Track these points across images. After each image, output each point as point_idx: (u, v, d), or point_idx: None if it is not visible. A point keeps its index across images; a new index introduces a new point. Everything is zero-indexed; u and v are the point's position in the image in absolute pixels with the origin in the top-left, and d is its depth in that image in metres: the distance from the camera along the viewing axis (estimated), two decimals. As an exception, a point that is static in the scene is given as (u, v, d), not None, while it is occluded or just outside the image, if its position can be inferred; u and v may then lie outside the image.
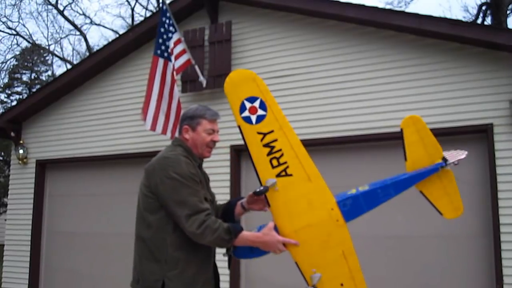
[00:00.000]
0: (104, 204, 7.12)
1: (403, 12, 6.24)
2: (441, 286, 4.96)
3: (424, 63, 5.20)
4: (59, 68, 31.50)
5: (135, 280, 2.50)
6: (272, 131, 2.35)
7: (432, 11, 32.43)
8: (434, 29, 5.04)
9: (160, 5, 7.09)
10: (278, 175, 2.35)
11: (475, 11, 15.88)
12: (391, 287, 5.13)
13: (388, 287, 5.14)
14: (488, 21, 15.03)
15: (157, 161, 2.49)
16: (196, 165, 2.51)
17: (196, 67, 6.05)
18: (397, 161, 5.31)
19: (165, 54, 5.84)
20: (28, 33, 37.17)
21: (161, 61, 5.84)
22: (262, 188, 2.35)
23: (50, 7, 24.07)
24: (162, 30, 5.85)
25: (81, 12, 37.05)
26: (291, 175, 2.35)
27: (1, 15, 30.62)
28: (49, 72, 26.09)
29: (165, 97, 5.83)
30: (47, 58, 25.94)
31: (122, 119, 6.92)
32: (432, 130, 5.31)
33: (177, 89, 5.83)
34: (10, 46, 30.32)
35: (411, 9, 23.84)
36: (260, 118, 2.35)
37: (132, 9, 24.00)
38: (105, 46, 7.35)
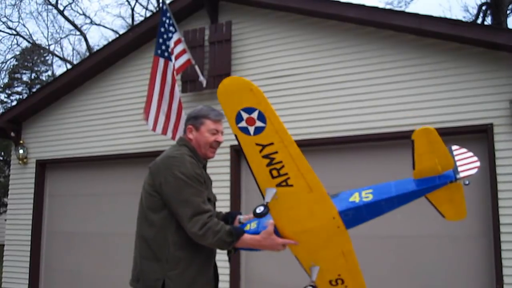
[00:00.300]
0: (104, 204, 7.12)
1: (403, 12, 6.24)
2: (441, 286, 4.96)
3: (424, 63, 5.20)
4: (59, 68, 31.51)
5: (135, 279, 2.49)
6: (272, 144, 2.14)
7: (432, 11, 32.44)
8: (434, 29, 5.04)
9: (160, 5, 7.09)
10: (279, 185, 2.24)
11: (475, 11, 15.90)
12: (391, 287, 5.13)
13: (388, 287, 5.14)
14: (488, 21, 15.03)
15: (162, 160, 2.50)
16: (200, 166, 2.52)
17: (196, 67, 6.05)
18: (397, 161, 5.33)
19: (166, 54, 5.84)
20: (28, 33, 37.20)
21: (161, 61, 5.84)
22: (263, 209, 2.25)
23: (50, 7, 24.10)
24: (162, 30, 5.85)
25: (81, 12, 37.08)
26: (291, 185, 2.23)
27: (1, 15, 30.60)
28: (49, 72, 26.12)
29: (166, 97, 5.83)
30: (47, 58, 25.95)
31: (122, 119, 6.92)
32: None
33: (178, 89, 5.83)
34: (10, 46, 30.32)
35: (411, 9, 23.84)
36: (258, 130, 2.13)
37: (132, 9, 24.02)
38: (105, 46, 7.35)
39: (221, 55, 6.20)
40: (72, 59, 25.69)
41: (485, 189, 4.84)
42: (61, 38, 31.93)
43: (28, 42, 24.70)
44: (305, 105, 5.69)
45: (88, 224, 7.22)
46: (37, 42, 25.28)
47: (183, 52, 5.93)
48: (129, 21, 24.28)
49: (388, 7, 14.59)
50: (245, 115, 2.13)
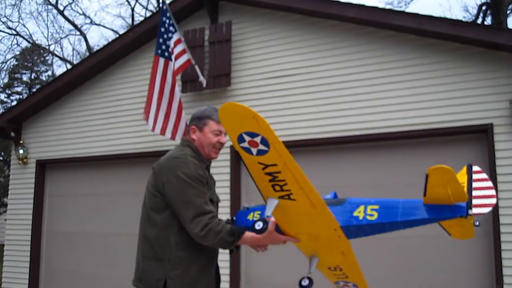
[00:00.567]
0: (104, 204, 7.12)
1: (403, 12, 6.24)
2: (441, 286, 4.96)
3: (424, 63, 5.20)
4: (59, 68, 31.50)
5: (137, 279, 2.51)
6: (275, 165, 2.09)
7: (432, 11, 32.43)
8: (434, 29, 5.04)
9: (160, 5, 7.09)
10: (281, 197, 2.21)
11: (475, 11, 15.89)
12: (391, 287, 5.13)
13: (388, 287, 5.14)
14: (488, 21, 15.03)
15: (165, 160, 2.51)
16: (203, 166, 2.52)
17: (196, 67, 6.05)
18: (397, 161, 5.34)
19: (166, 54, 5.84)
20: (28, 33, 37.19)
21: (161, 61, 5.84)
22: (262, 225, 2.23)
23: (50, 7, 24.10)
24: (163, 30, 5.85)
25: (81, 12, 37.07)
26: (294, 200, 2.19)
27: (1, 15, 30.59)
28: (49, 72, 26.12)
29: (166, 97, 5.83)
30: (47, 58, 25.95)
31: (122, 119, 6.92)
32: (432, 130, 5.33)
33: (178, 88, 5.82)
34: (10, 46, 30.36)
35: (411, 9, 23.85)
36: (261, 152, 2.07)
37: (132, 9, 24.02)
38: (105, 46, 7.35)
39: (221, 55, 6.20)
40: (72, 59, 25.72)
41: (485, 189, 4.83)
42: (61, 38, 31.95)
43: (28, 42, 24.73)
44: (305, 105, 5.69)
45: (88, 224, 7.22)
46: (37, 42, 25.31)
47: (183, 52, 5.92)
48: (129, 21, 24.30)
49: (388, 7, 14.59)
50: (247, 138, 2.07)
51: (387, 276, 5.15)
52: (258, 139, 2.05)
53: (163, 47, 5.84)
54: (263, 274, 5.76)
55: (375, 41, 5.48)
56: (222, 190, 5.81)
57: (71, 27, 25.11)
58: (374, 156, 5.44)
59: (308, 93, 5.71)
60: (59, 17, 26.48)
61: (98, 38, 44.10)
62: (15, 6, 29.05)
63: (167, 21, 5.86)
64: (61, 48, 46.09)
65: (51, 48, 25.74)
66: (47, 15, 36.72)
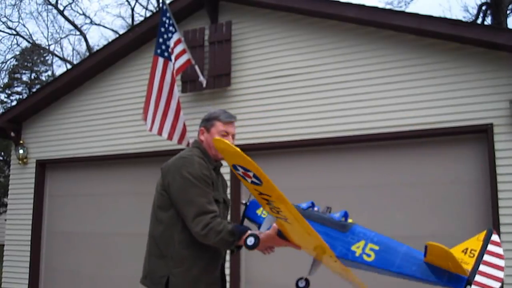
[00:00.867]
0: (104, 204, 7.12)
1: (403, 12, 6.24)
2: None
3: (424, 63, 5.20)
4: (59, 68, 31.50)
5: (144, 276, 2.57)
6: (270, 196, 2.03)
7: (432, 11, 32.43)
8: (434, 29, 5.04)
9: (160, 5, 7.09)
10: (278, 218, 2.17)
11: (475, 11, 15.88)
12: (391, 287, 5.12)
13: (387, 287, 5.14)
14: (488, 21, 15.02)
15: (172, 161, 2.57)
16: (211, 167, 2.57)
17: (196, 67, 6.05)
18: (397, 161, 5.34)
19: (166, 54, 5.83)
20: (28, 33, 37.20)
21: (161, 61, 5.83)
22: (253, 241, 2.23)
23: (50, 7, 24.10)
24: (163, 29, 5.84)
25: (81, 12, 37.05)
26: (290, 223, 2.14)
27: (1, 15, 30.60)
28: (49, 72, 26.11)
29: (164, 97, 5.82)
30: (47, 58, 25.95)
31: (122, 119, 6.92)
32: (432, 130, 5.33)
33: (177, 89, 5.82)
34: (10, 46, 30.28)
35: (411, 9, 23.85)
36: (255, 183, 2.01)
37: (132, 9, 24.03)
38: (105, 46, 7.34)
39: (221, 55, 6.20)
40: (72, 59, 25.72)
41: (485, 189, 4.84)
42: (61, 38, 31.91)
43: (28, 42, 24.73)
44: (305, 105, 5.69)
45: (88, 224, 7.22)
46: (37, 42, 25.31)
47: (183, 52, 5.92)
48: (129, 21, 24.31)
49: (388, 7, 14.59)
50: (241, 169, 2.01)
51: (387, 275, 5.15)
52: (251, 174, 2.01)
53: (163, 47, 5.83)
54: (263, 274, 5.76)
55: (375, 41, 5.48)
56: (222, 190, 5.82)
57: (71, 27, 25.15)
58: (374, 156, 5.44)
59: (308, 93, 5.71)
60: (59, 17, 26.50)
61: (98, 38, 44.14)
62: (15, 6, 29.04)
63: (167, 21, 5.86)
64: (61, 48, 46.09)
65: (51, 48, 25.77)
66: (47, 15, 36.76)
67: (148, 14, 22.66)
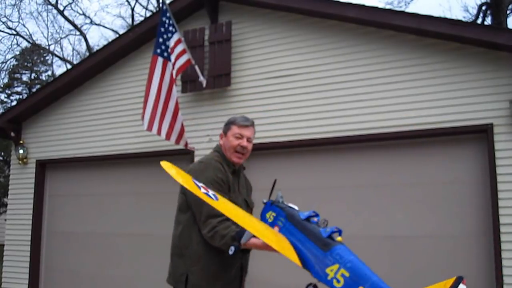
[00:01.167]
0: (104, 204, 7.12)
1: (403, 12, 6.23)
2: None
3: (424, 63, 5.20)
4: (59, 68, 31.49)
5: (168, 275, 2.72)
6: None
7: (432, 11, 32.42)
8: (434, 29, 5.04)
9: (160, 5, 7.09)
10: None
11: (475, 11, 15.87)
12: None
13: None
14: (488, 21, 15.02)
15: (193, 164, 2.76)
16: (228, 170, 2.68)
17: (196, 67, 6.05)
18: (397, 161, 5.34)
19: (165, 54, 5.83)
20: (28, 33, 37.15)
21: (160, 61, 5.82)
22: (234, 251, 2.28)
23: (50, 7, 24.08)
24: (162, 29, 5.84)
25: (81, 12, 37.01)
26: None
27: (1, 15, 30.60)
28: (49, 72, 26.09)
29: (163, 97, 5.82)
30: (47, 58, 25.93)
31: (122, 119, 6.92)
32: (432, 130, 5.33)
33: (175, 89, 5.81)
34: (10, 46, 30.29)
35: (411, 9, 23.84)
36: (215, 198, 2.15)
37: (132, 9, 24.02)
38: (105, 46, 7.34)
39: (221, 55, 6.20)
40: (72, 59, 25.71)
41: (485, 189, 4.84)
42: (61, 38, 31.91)
43: (28, 42, 24.72)
44: (305, 105, 5.69)
45: (88, 224, 7.23)
46: (37, 42, 25.29)
47: (183, 52, 5.92)
48: (129, 21, 24.30)
49: (388, 7, 14.58)
50: (199, 183, 2.18)
51: (385, 276, 5.14)
52: (209, 189, 2.18)
53: (163, 47, 5.83)
54: (265, 275, 5.76)
55: (375, 41, 5.48)
56: (222, 190, 5.81)
57: (71, 27, 25.14)
58: (374, 156, 5.44)
59: (308, 93, 5.71)
60: (59, 17, 26.51)
61: (98, 38, 44.11)
62: (15, 6, 29.04)
63: (167, 21, 5.86)
64: (61, 48, 46.10)
65: (51, 48, 25.75)
66: (47, 15, 36.73)
67: (148, 14, 22.67)
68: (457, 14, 35.79)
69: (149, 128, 5.81)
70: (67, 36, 30.63)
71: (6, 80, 24.72)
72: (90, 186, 7.35)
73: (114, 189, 7.09)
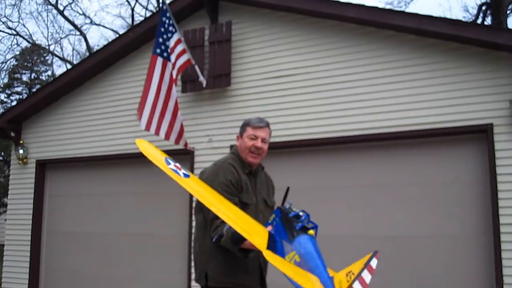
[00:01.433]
0: (104, 204, 7.12)
1: (403, 12, 6.24)
2: (440, 286, 4.96)
3: (424, 63, 5.20)
4: (59, 68, 31.45)
5: (195, 273, 2.82)
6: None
7: (432, 11, 32.40)
8: (434, 29, 5.04)
9: (160, 5, 7.09)
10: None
11: (475, 11, 15.86)
12: (390, 286, 5.12)
13: (387, 287, 5.14)
14: (488, 21, 15.01)
15: (208, 167, 2.83)
16: (242, 171, 2.74)
17: (196, 67, 6.05)
18: (397, 161, 5.34)
19: (165, 54, 5.83)
20: (28, 33, 37.13)
21: (159, 60, 5.83)
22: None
23: (50, 7, 24.06)
24: (162, 29, 5.84)
25: (81, 12, 36.98)
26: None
27: (1, 15, 30.58)
28: (49, 72, 26.09)
29: (162, 97, 5.82)
30: (47, 58, 25.92)
31: (122, 119, 6.92)
32: (432, 130, 5.34)
33: (175, 89, 5.81)
34: (10, 46, 30.23)
35: (411, 9, 23.83)
36: (186, 176, 2.36)
37: (132, 9, 24.00)
38: (105, 46, 7.34)
39: (221, 55, 6.20)
40: (72, 59, 25.69)
41: (485, 189, 4.84)
42: (61, 38, 31.90)
43: (28, 42, 24.71)
44: (305, 105, 5.69)
45: (88, 224, 7.22)
46: (37, 42, 25.27)
47: (183, 52, 5.92)
48: (129, 21, 24.28)
49: (388, 7, 14.58)
50: (172, 162, 2.38)
51: (386, 276, 5.15)
52: (179, 165, 2.40)
53: (162, 47, 5.83)
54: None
55: (375, 41, 5.48)
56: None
57: (71, 27, 25.11)
58: (374, 156, 5.44)
59: (308, 93, 5.71)
60: (59, 17, 26.47)
61: (98, 38, 44.08)
62: (15, 6, 29.01)
63: (167, 21, 5.85)
64: (61, 48, 46.03)
65: (51, 48, 25.72)
66: (47, 15, 36.69)
67: (148, 14, 22.66)
68: (457, 14, 35.78)
69: (147, 127, 5.81)
70: (67, 36, 30.61)
71: (6, 80, 24.73)
72: (90, 186, 7.35)
73: (114, 189, 7.09)
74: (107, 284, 6.83)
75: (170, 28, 5.86)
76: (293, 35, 5.94)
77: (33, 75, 25.50)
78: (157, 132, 5.83)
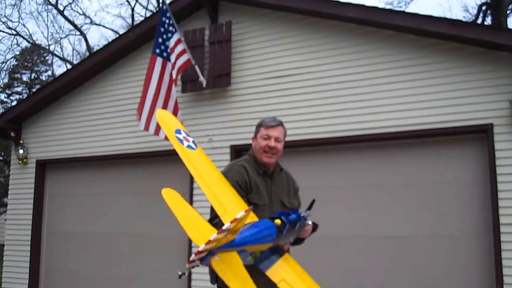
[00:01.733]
0: (104, 204, 7.12)
1: (403, 12, 6.24)
2: (440, 286, 4.96)
3: (424, 63, 5.20)
4: (59, 68, 31.44)
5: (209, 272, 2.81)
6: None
7: (432, 11, 32.40)
8: (434, 29, 5.04)
9: (160, 5, 7.09)
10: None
11: (475, 11, 15.85)
12: (391, 286, 5.12)
13: (387, 286, 5.14)
14: (488, 21, 15.01)
15: (225, 166, 2.89)
16: (255, 172, 2.78)
17: (196, 67, 6.05)
18: (397, 161, 5.34)
19: (164, 54, 5.83)
20: (28, 33, 37.06)
21: (159, 60, 5.83)
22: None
23: (50, 7, 24.05)
24: (162, 30, 5.84)
25: (81, 12, 36.92)
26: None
27: (1, 15, 30.55)
28: (49, 72, 26.06)
29: (162, 97, 5.82)
30: (47, 58, 25.90)
31: (122, 119, 6.92)
32: (432, 130, 5.34)
33: (174, 89, 5.81)
34: (10, 46, 30.16)
35: (411, 9, 23.81)
36: (190, 147, 2.63)
37: (132, 9, 23.98)
38: (105, 46, 7.35)
39: (221, 55, 6.20)
40: (72, 59, 25.66)
41: (485, 189, 4.84)
42: (61, 38, 31.82)
43: (28, 42, 24.69)
44: (305, 105, 5.69)
45: (88, 224, 7.22)
46: (37, 42, 25.25)
47: (183, 52, 5.92)
48: (129, 21, 24.26)
49: (388, 7, 14.58)
50: (183, 133, 2.64)
51: (386, 276, 5.15)
52: (190, 139, 2.63)
53: (162, 47, 5.83)
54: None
55: (375, 41, 5.47)
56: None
57: (71, 27, 25.06)
58: (374, 156, 5.44)
59: (308, 93, 5.71)
60: (59, 17, 26.43)
61: (98, 38, 44.09)
62: (15, 6, 28.97)
63: (167, 21, 5.85)
64: (61, 48, 45.98)
65: (51, 48, 25.67)
66: (47, 15, 36.66)
67: (148, 14, 22.65)
68: (457, 14, 35.76)
69: (146, 127, 5.81)
70: (67, 36, 30.51)
71: (6, 80, 24.71)
72: (90, 186, 7.35)
73: (114, 189, 7.08)
74: (107, 284, 6.83)
75: (170, 28, 5.86)
76: (293, 35, 5.94)
77: (33, 75, 25.49)
78: (156, 133, 5.83)
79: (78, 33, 24.60)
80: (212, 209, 2.54)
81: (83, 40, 24.76)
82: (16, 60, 24.96)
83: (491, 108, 4.83)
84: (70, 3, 28.20)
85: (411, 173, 5.24)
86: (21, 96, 24.01)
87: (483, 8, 15.02)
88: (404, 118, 5.17)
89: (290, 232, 2.48)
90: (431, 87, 5.12)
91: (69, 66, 23.45)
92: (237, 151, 5.96)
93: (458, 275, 4.91)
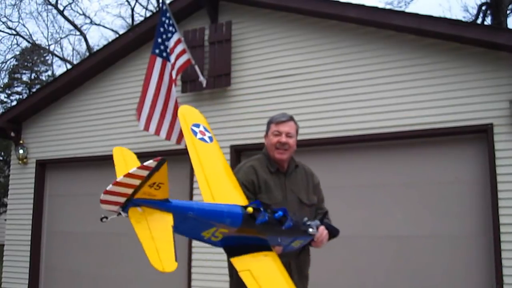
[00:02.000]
0: (104, 204, 7.11)
1: (403, 12, 6.24)
2: (441, 286, 4.96)
3: (424, 63, 5.20)
4: (59, 68, 31.45)
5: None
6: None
7: (432, 11, 32.39)
8: (434, 29, 5.04)
9: (160, 5, 7.10)
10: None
11: (475, 11, 15.86)
12: (391, 286, 5.13)
13: (387, 286, 5.14)
14: (488, 21, 15.02)
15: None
16: (266, 170, 2.75)
17: (196, 67, 6.05)
18: (397, 161, 5.34)
19: (164, 54, 5.83)
20: (28, 33, 37.12)
21: (159, 61, 5.82)
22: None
23: (50, 7, 24.06)
24: (162, 30, 5.84)
25: (81, 12, 36.94)
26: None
27: (1, 15, 30.56)
28: (49, 72, 26.07)
29: (162, 97, 5.81)
30: (47, 58, 25.91)
31: (122, 119, 6.92)
32: (432, 130, 5.34)
33: (174, 89, 5.81)
34: (10, 46, 30.18)
35: (411, 9, 23.81)
36: (203, 140, 2.74)
37: (132, 9, 23.99)
38: (105, 46, 7.35)
39: (221, 55, 6.20)
40: (72, 59, 25.67)
41: (485, 189, 4.84)
42: (61, 38, 31.84)
43: (28, 42, 24.70)
44: (305, 105, 5.69)
45: (88, 224, 7.21)
46: (37, 42, 25.27)
47: (183, 52, 5.92)
48: (129, 21, 24.26)
49: (388, 7, 14.59)
50: (201, 127, 2.74)
51: (387, 276, 5.15)
52: (207, 134, 2.72)
53: (162, 47, 5.83)
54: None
55: (375, 41, 5.47)
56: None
57: (71, 27, 25.06)
58: (373, 156, 5.44)
59: (308, 93, 5.71)
60: (59, 17, 26.41)
61: (98, 38, 44.08)
62: (15, 6, 28.95)
63: (167, 21, 5.85)
64: (61, 48, 46.01)
65: (51, 48, 25.68)
66: (47, 15, 36.70)
67: (148, 14, 22.65)
68: (457, 14, 35.77)
69: (146, 127, 5.81)
70: (67, 36, 30.55)
71: (6, 80, 24.72)
72: (90, 186, 7.34)
73: (114, 189, 7.07)
74: (107, 284, 6.83)
75: (170, 28, 5.86)
76: (293, 35, 5.94)
77: (33, 75, 25.49)
78: (157, 133, 5.83)
79: (78, 33, 24.63)
80: None
81: (83, 40, 24.79)
82: (16, 60, 24.98)
83: (491, 108, 4.83)
84: (70, 3, 28.23)
85: (411, 173, 5.24)
86: (21, 96, 24.01)
87: (483, 8, 15.03)
88: (404, 118, 5.17)
89: (276, 231, 2.41)
90: (431, 87, 5.12)
91: (69, 66, 23.45)
92: (237, 151, 5.96)
93: (458, 275, 4.91)
